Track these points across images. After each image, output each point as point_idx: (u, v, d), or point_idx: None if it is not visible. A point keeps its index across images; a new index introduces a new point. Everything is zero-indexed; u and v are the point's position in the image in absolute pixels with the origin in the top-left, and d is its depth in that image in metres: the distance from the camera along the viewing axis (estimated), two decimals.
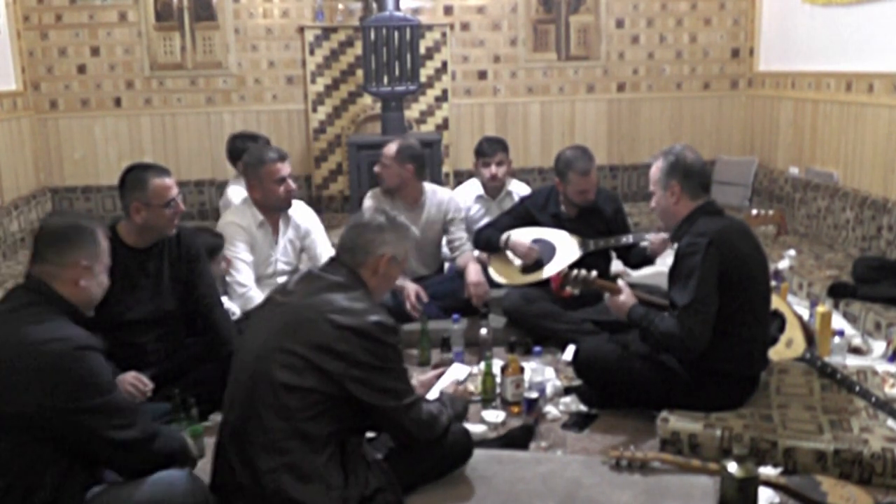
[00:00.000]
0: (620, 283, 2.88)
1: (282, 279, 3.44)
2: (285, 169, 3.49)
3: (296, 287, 2.15)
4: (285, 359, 1.98)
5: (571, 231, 3.77)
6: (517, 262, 3.78)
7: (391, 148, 3.87)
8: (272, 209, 3.56)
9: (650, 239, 3.61)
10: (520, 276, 3.76)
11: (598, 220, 3.81)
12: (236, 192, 4.12)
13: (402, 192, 3.89)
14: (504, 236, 3.76)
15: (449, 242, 4.03)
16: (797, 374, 2.94)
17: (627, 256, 3.86)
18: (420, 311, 3.61)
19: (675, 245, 2.71)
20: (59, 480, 1.88)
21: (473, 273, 3.77)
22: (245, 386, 2.02)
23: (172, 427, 2.52)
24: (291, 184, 3.52)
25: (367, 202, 3.90)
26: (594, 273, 2.83)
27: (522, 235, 3.78)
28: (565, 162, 3.69)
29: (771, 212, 3.44)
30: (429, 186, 4.01)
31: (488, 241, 3.83)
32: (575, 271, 2.82)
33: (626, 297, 2.79)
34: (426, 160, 4.10)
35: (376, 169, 3.93)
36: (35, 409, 1.79)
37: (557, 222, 3.80)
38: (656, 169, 2.77)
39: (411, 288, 3.66)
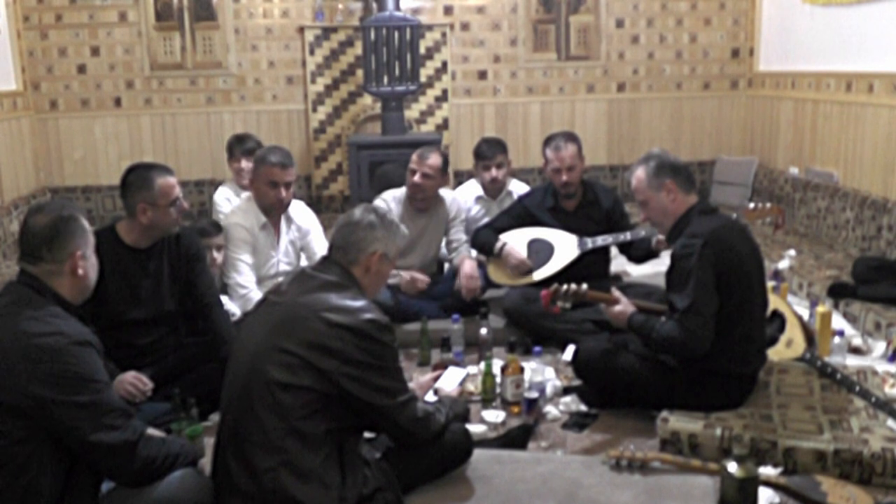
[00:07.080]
0: (615, 292, 2.84)
1: None
2: (282, 175, 3.45)
3: (289, 286, 2.15)
4: (280, 357, 1.98)
5: (570, 225, 3.76)
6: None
7: (435, 159, 3.77)
8: (264, 209, 3.56)
9: (652, 238, 3.58)
10: (517, 278, 3.75)
11: (597, 213, 3.80)
12: (222, 194, 4.41)
13: (433, 201, 3.88)
14: (499, 244, 3.75)
15: (448, 244, 4.02)
16: (797, 374, 2.94)
17: (629, 251, 3.79)
18: (423, 284, 3.73)
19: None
20: (59, 486, 1.88)
21: (468, 266, 3.78)
22: (241, 385, 2.02)
23: (172, 427, 2.53)
24: (284, 192, 3.47)
25: (379, 203, 3.78)
26: (584, 286, 2.80)
27: (519, 237, 3.77)
28: (546, 140, 3.77)
29: (769, 205, 3.42)
30: None
31: (483, 246, 3.83)
32: (565, 286, 2.79)
33: (623, 306, 2.78)
34: None
35: (416, 179, 3.75)
36: (29, 399, 1.80)
37: (556, 217, 3.79)
38: (642, 176, 2.75)
39: (405, 273, 3.72)
